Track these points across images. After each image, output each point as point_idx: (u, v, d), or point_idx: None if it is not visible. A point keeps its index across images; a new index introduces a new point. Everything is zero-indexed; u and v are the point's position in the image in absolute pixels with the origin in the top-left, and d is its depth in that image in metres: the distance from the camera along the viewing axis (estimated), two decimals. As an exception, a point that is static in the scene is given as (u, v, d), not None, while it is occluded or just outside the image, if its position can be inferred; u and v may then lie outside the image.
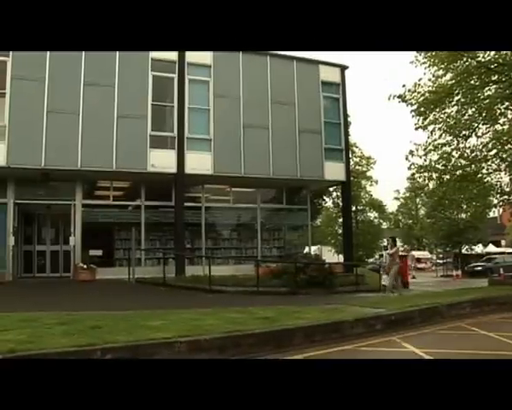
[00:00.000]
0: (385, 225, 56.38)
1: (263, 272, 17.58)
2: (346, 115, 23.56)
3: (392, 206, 61.50)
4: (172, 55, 19.70)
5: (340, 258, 36.00)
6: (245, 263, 20.56)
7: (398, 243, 17.11)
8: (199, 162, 19.67)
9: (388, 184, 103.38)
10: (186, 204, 20.04)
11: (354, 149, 41.26)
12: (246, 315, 9.43)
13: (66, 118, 18.17)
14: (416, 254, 53.17)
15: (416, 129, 18.03)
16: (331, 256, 43.01)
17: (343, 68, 23.26)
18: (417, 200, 57.69)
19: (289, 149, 21.07)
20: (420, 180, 20.27)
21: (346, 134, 23.59)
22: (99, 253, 19.25)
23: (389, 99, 17.45)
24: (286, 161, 20.93)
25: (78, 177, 19.09)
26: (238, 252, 22.06)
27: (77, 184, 19.37)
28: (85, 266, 18.38)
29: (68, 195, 19.37)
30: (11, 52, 17.72)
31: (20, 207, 18.91)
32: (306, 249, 23.22)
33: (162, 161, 19.21)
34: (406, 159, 18.39)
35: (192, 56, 19.78)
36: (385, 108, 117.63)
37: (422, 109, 17.59)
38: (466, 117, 17.96)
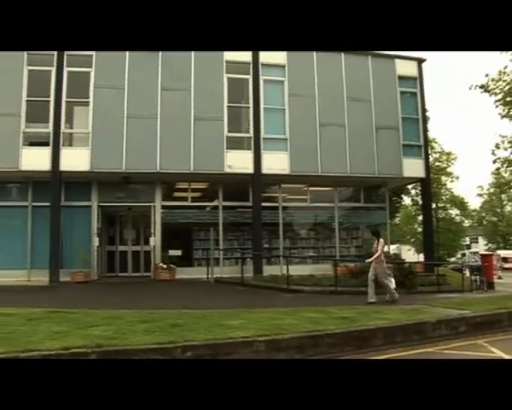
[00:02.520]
0: (467, 223, 54.39)
1: (341, 272, 17.33)
2: (424, 110, 22.83)
3: (474, 203, 59.34)
4: (246, 57, 19.82)
5: (420, 257, 35.02)
6: (323, 263, 20.34)
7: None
8: (275, 162, 19.70)
9: (470, 181, 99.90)
10: (263, 204, 20.08)
11: (433, 144, 40.15)
12: (324, 315, 9.34)
13: (144, 123, 18.79)
14: (502, 253, 50.82)
15: (502, 118, 17.09)
16: (411, 255, 42.02)
17: (420, 61, 22.51)
18: (503, 196, 55.37)
19: (366, 146, 20.69)
20: (506, 175, 19.29)
21: (425, 129, 22.84)
22: (178, 253, 19.63)
23: (470, 89, 16.72)
24: (363, 158, 20.58)
25: (157, 179, 19.65)
26: (316, 251, 21.88)
27: (156, 187, 19.95)
28: (165, 266, 18.82)
29: (148, 197, 19.98)
30: (94, 63, 18.60)
31: (103, 209, 19.70)
32: (385, 248, 22.69)
33: (239, 161, 19.39)
34: (492, 153, 17.52)
35: (266, 57, 19.85)
36: (464, 100, 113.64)
37: (508, 99, 16.67)
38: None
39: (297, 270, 17.71)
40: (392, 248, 26.84)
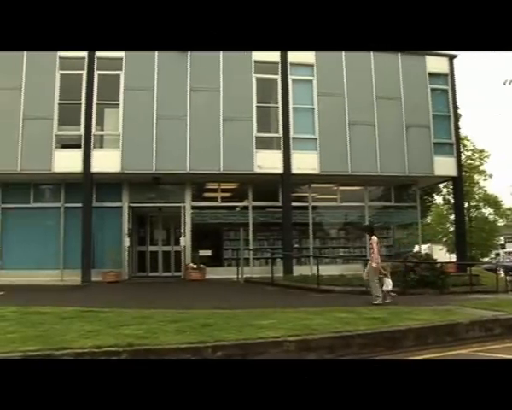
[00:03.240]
0: (501, 222, 53.30)
1: (373, 272, 17.19)
2: (455, 107, 22.46)
3: (510, 202, 58.19)
4: (275, 57, 19.81)
5: (453, 257, 34.50)
6: (353, 263, 20.20)
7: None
8: (305, 162, 19.64)
9: (505, 179, 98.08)
10: (293, 204, 20.02)
11: (465, 142, 39.48)
12: (355, 315, 9.26)
13: (174, 123, 18.95)
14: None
15: None
16: (442, 255, 41.38)
17: (451, 58, 22.16)
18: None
19: (396, 144, 20.46)
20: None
21: (457, 127, 22.46)
22: (208, 253, 19.74)
23: (504, 84, 16.37)
24: (393, 157, 20.36)
25: (187, 180, 19.79)
26: (346, 251, 21.73)
27: (186, 187, 20.10)
28: (195, 266, 18.93)
29: (178, 197, 20.15)
30: (123, 65, 18.83)
31: (133, 210, 19.94)
32: (416, 248, 22.41)
33: (268, 161, 19.39)
34: None
35: (294, 57, 19.79)
36: (498, 96, 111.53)
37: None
38: None
39: (327, 270, 17.62)
40: (424, 248, 26.44)
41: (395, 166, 20.36)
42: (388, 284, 12.66)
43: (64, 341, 6.92)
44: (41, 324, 8.24)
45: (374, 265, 12.48)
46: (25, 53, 18.50)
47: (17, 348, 6.52)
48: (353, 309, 10.09)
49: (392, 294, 12.70)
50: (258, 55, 19.34)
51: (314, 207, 21.24)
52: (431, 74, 21.64)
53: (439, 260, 20.78)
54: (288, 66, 20.20)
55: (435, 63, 21.65)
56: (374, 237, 12.90)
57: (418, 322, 8.56)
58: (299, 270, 18.99)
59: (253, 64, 19.81)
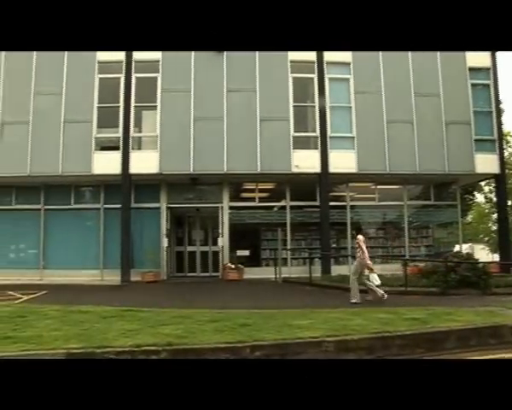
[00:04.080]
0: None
1: (411, 272, 16.89)
2: (498, 102, 21.80)
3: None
4: (311, 56, 19.70)
5: (495, 257, 33.73)
6: (392, 262, 19.89)
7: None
8: (342, 161, 19.46)
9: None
10: (331, 203, 19.89)
11: (509, 138, 38.48)
12: (394, 316, 9.11)
13: (211, 124, 19.07)
14: None
15: None
16: (484, 255, 40.53)
17: (493, 51, 21.62)
18: None
19: (436, 142, 20.05)
20: None
21: (499, 123, 21.81)
22: (246, 253, 19.76)
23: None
24: (433, 155, 19.97)
25: (224, 180, 19.88)
26: (384, 251, 21.41)
27: (224, 187, 20.19)
28: (233, 266, 19.00)
29: (216, 198, 20.25)
30: (160, 68, 19.08)
31: (171, 210, 20.15)
32: (457, 248, 21.97)
33: (305, 161, 19.30)
34: None
35: (331, 55, 19.64)
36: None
37: None
38: None
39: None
40: (465, 248, 25.88)
41: (434, 164, 19.96)
42: (375, 279, 12.90)
43: (105, 339, 7.08)
44: (82, 322, 8.45)
45: (368, 262, 12.74)
46: (65, 59, 19.01)
47: (60, 345, 6.73)
48: (392, 310, 9.93)
49: (382, 291, 12.72)
50: (295, 55, 19.24)
51: (352, 207, 21.03)
52: (471, 69, 21.07)
53: (480, 260, 20.34)
54: (325, 64, 20.05)
55: (476, 57, 21.03)
56: (359, 236, 13.18)
57: (460, 323, 8.35)
58: (337, 270, 18.84)
59: (289, 64, 19.75)
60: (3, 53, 19.37)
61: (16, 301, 12.67)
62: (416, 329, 7.92)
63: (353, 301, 12.23)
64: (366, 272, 13.11)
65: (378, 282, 12.89)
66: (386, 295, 12.47)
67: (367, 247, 13.29)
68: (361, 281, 12.95)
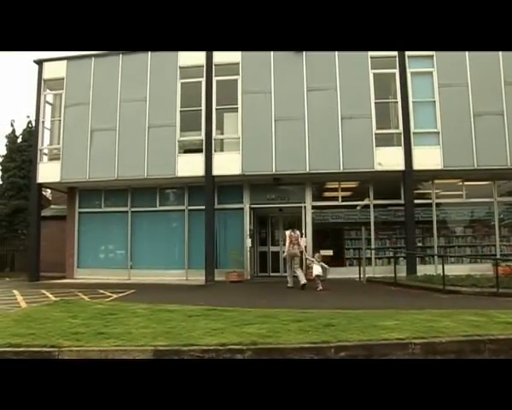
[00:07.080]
0: None
1: (503, 272, 16.15)
2: None
3: None
4: (391, 51, 19.26)
5: None
6: (481, 262, 19.11)
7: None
8: (427, 157, 18.88)
9: None
10: (416, 201, 19.37)
11: None
12: (485, 318, 8.73)
13: (292, 124, 19.08)
14: None
15: None
16: None
17: None
18: None
19: (529, 134, 19.05)
20: None
21: None
22: (330, 253, 19.56)
23: None
24: (525, 148, 19.01)
25: (307, 180, 19.85)
26: (473, 250, 20.58)
27: (306, 187, 20.17)
28: (317, 266, 18.86)
29: (298, 197, 20.26)
30: (240, 70, 19.37)
31: (254, 211, 20.35)
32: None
33: (389, 158, 18.89)
34: None
35: (413, 49, 19.10)
36: None
37: None
38: None
39: (453, 270, 16.84)
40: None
41: (528, 157, 18.98)
42: (317, 269, 15.90)
43: (191, 337, 7.30)
44: (169, 321, 8.75)
45: (284, 254, 16.89)
46: (148, 67, 19.68)
47: (148, 342, 7.04)
48: (484, 312, 9.50)
49: (319, 281, 15.53)
50: (375, 51, 18.85)
51: (438, 205, 20.38)
52: None
53: None
54: (406, 58, 19.54)
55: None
56: (286, 232, 16.77)
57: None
58: (422, 270, 18.40)
59: (369, 60, 19.41)
60: (92, 66, 20.32)
61: (107, 300, 13.21)
62: (511, 333, 7.54)
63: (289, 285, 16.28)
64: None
65: (318, 272, 15.84)
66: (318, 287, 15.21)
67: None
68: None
